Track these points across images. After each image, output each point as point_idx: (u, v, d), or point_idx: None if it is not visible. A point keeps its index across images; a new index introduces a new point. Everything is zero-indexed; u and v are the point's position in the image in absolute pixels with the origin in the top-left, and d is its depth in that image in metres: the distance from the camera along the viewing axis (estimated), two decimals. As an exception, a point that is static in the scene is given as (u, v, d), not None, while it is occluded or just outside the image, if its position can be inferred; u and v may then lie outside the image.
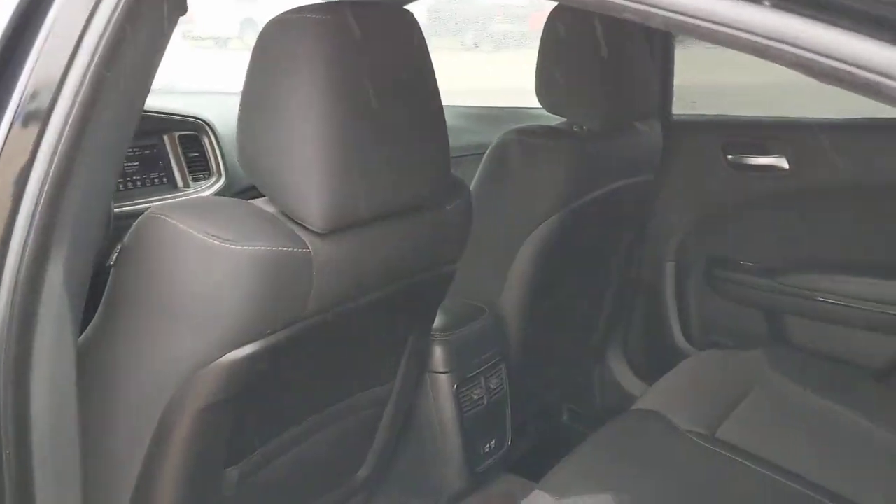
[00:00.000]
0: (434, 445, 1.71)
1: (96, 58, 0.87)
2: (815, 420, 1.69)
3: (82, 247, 0.95)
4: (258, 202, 1.10)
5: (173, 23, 0.95)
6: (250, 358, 1.03)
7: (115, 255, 1.05)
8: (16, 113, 0.88)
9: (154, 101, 1.05)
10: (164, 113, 1.83)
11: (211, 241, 0.98)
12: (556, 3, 1.57)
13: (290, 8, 1.04)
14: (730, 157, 2.23)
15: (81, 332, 1.05)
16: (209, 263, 0.99)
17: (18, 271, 0.87)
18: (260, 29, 1.07)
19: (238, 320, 1.01)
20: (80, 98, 0.87)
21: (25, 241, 0.87)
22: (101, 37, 0.87)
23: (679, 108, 2.32)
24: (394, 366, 1.45)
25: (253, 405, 1.15)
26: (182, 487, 1.12)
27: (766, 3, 0.54)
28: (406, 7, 1.24)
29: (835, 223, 2.14)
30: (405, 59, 1.13)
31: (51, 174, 0.86)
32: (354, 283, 1.12)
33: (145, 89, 0.97)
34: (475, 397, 1.72)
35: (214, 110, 1.97)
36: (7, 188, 0.87)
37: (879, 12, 0.52)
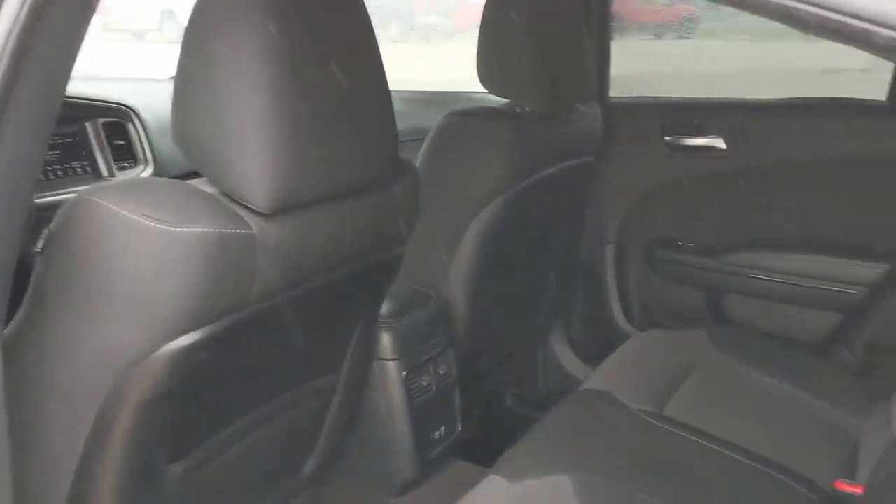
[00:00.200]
0: (384, 434, 1.68)
1: (18, 25, 0.81)
2: (758, 395, 1.73)
3: (6, 233, 0.88)
4: (196, 182, 1.04)
5: None
6: (192, 347, 0.98)
7: (42, 241, 0.98)
8: None
9: (75, 87, 0.99)
10: (86, 99, 1.75)
11: (147, 223, 0.92)
12: None
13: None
14: (668, 138, 2.25)
15: (6, 323, 0.98)
16: (146, 247, 0.92)
17: None
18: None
19: (179, 307, 0.96)
20: (1, 68, 0.80)
21: None
22: (23, 2, 0.80)
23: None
24: (341, 354, 1.41)
25: (196, 397, 1.09)
26: (122, 485, 1.06)
27: None
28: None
29: (771, 202, 2.19)
30: (351, 36, 1.09)
31: None
32: (301, 267, 1.07)
33: (70, 61, 0.90)
34: (424, 384, 1.69)
35: (140, 97, 1.89)
36: None
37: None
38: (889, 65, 1.91)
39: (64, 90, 0.92)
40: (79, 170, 1.71)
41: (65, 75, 0.91)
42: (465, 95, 2.49)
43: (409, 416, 1.66)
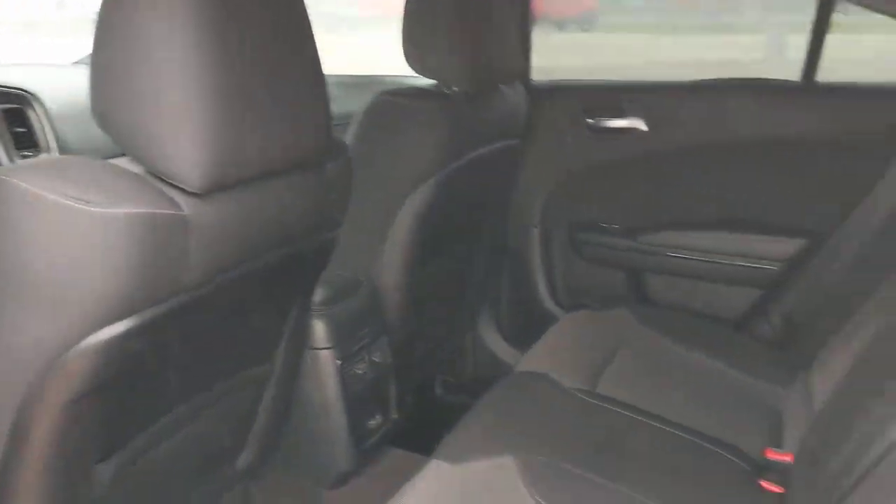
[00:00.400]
0: (318, 425, 1.63)
1: None
2: (684, 370, 1.77)
3: None
4: (118, 161, 0.97)
5: None
6: (122, 338, 0.91)
7: None
8: None
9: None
10: None
11: (68, 202, 0.84)
12: None
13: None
14: (590, 120, 2.27)
15: None
16: (68, 230, 0.85)
17: None
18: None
19: (105, 295, 0.89)
20: None
21: None
22: None
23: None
24: (274, 342, 1.35)
25: (126, 392, 1.02)
26: (45, 492, 0.98)
27: None
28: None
29: (691, 182, 2.23)
30: (283, 13, 1.04)
31: None
32: (235, 250, 1.02)
33: None
34: (359, 372, 1.65)
35: (40, 82, 1.78)
36: None
37: None
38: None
39: None
40: (-24, 159, 1.60)
41: None
42: (389, 79, 2.45)
43: (344, 405, 1.62)
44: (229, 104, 0.92)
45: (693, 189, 2.24)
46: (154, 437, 1.16)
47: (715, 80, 2.23)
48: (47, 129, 1.72)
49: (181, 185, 0.92)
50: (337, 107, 2.08)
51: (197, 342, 1.13)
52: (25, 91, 1.72)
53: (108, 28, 0.92)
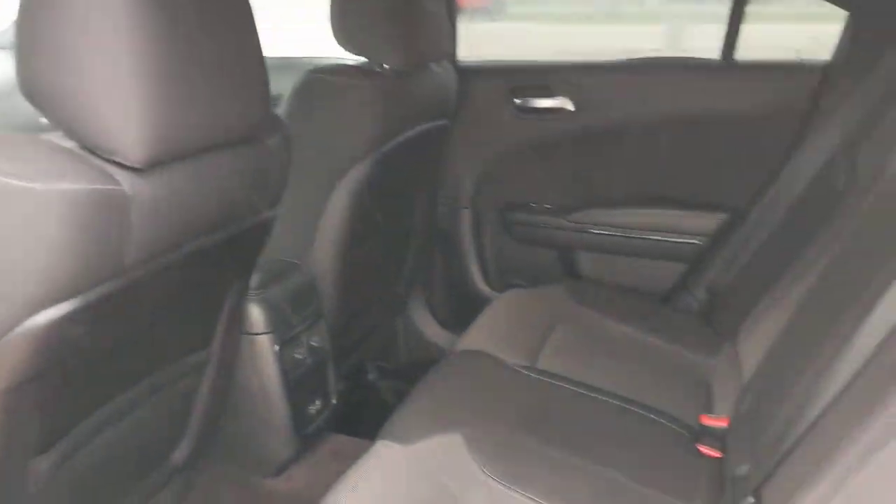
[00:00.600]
0: (258, 412, 1.59)
1: None
2: (617, 343, 1.81)
3: None
4: (50, 137, 0.91)
5: None
6: (60, 322, 0.86)
7: None
8: None
9: None
10: None
11: (4, 180, 0.79)
12: None
13: None
14: (518, 101, 2.28)
15: None
16: (3, 208, 0.80)
17: None
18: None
19: (44, 276, 0.83)
20: None
21: None
22: None
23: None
24: (212, 327, 1.31)
25: (65, 379, 0.96)
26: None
27: None
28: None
29: (618, 160, 2.28)
30: None
31: None
32: (178, 228, 0.97)
33: None
34: (298, 357, 1.61)
35: None
36: None
37: None
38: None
39: None
40: None
41: None
42: (305, 60, 2.40)
43: (284, 392, 1.58)
44: (169, 75, 0.87)
45: (620, 167, 2.28)
46: (92, 428, 1.10)
47: (639, 59, 2.27)
48: None
49: (120, 160, 0.87)
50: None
51: (137, 327, 1.08)
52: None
53: (35, 2, 0.86)
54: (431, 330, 2.46)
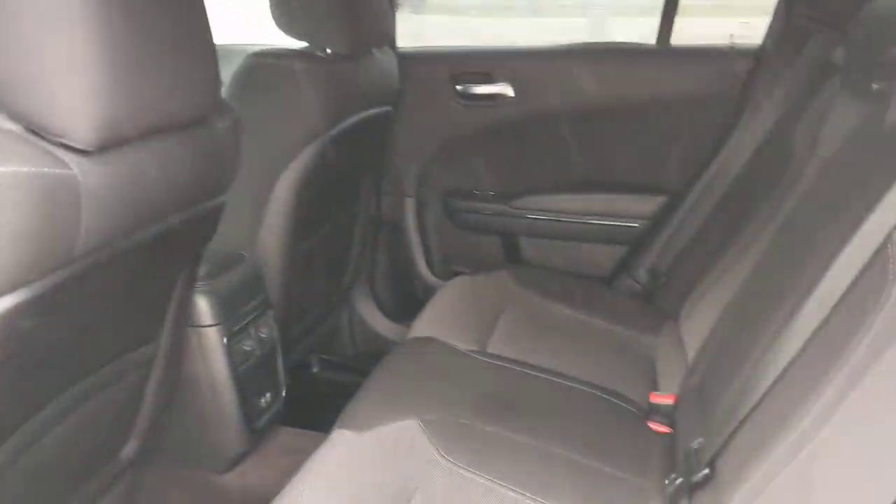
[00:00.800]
0: (207, 407, 1.54)
1: None
2: (563, 326, 1.83)
3: None
4: None
5: None
6: (8, 314, 0.82)
7: None
8: None
9: None
10: None
11: None
12: None
13: None
14: (459, 87, 2.28)
15: None
16: None
17: None
18: None
19: None
20: None
21: None
22: None
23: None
24: (160, 319, 1.27)
25: (11, 375, 0.92)
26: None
27: None
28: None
29: (558, 145, 2.29)
30: None
31: None
32: (130, 214, 0.94)
33: None
34: (247, 349, 1.57)
35: None
36: None
37: None
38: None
39: None
40: None
41: None
42: (238, 48, 2.34)
43: (233, 385, 1.54)
44: (119, 55, 0.84)
45: (561, 152, 2.30)
46: (39, 427, 1.05)
47: (578, 45, 2.29)
48: None
49: (69, 143, 0.83)
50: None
51: (87, 319, 1.03)
52: None
53: None
54: (376, 320, 2.45)
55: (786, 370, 0.99)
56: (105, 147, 0.86)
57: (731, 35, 2.18)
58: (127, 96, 0.86)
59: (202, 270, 1.51)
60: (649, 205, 2.22)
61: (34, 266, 0.82)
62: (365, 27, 1.72)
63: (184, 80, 0.97)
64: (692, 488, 1.12)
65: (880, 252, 0.90)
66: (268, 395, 1.67)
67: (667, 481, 1.18)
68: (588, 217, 2.29)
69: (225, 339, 1.52)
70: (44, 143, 0.83)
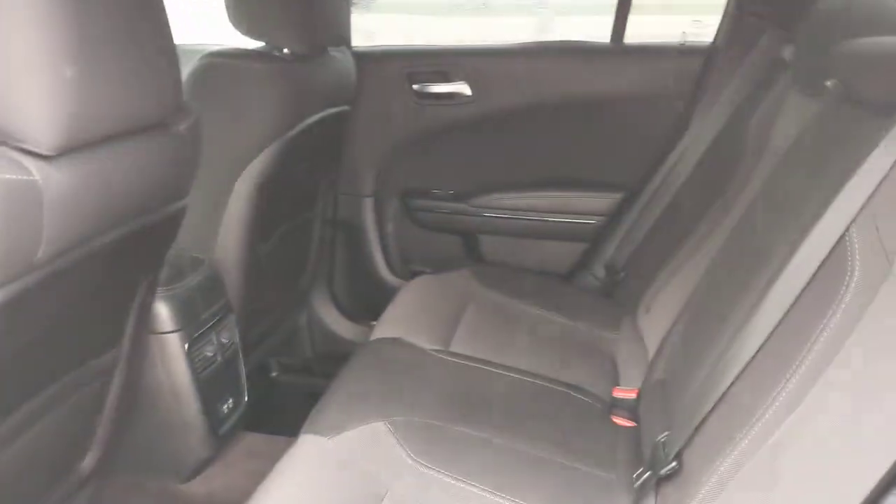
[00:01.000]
0: (170, 416, 1.52)
1: None
2: (526, 323, 1.84)
3: None
4: None
5: None
6: None
7: None
8: None
9: None
10: None
11: None
12: None
13: None
14: (415, 86, 2.28)
15: None
16: None
17: None
18: None
19: None
20: None
21: None
22: None
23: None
24: (121, 326, 1.24)
25: None
26: None
27: None
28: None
29: (516, 143, 2.31)
30: None
31: None
32: (92, 219, 0.91)
33: None
34: (208, 355, 1.55)
35: None
36: None
37: None
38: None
39: None
40: None
41: None
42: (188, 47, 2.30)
43: (196, 391, 1.52)
44: (80, 57, 0.82)
45: (518, 150, 2.32)
46: None
47: (534, 43, 2.30)
48: None
49: (29, 148, 0.81)
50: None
51: (46, 328, 1.00)
52: None
53: None
54: (335, 321, 2.43)
55: (749, 363, 1.01)
56: (67, 151, 0.84)
57: (683, 33, 2.21)
58: (88, 99, 0.84)
59: (163, 276, 1.48)
60: (607, 201, 2.25)
61: None
62: (322, 27, 1.70)
63: (145, 82, 0.95)
64: (660, 482, 1.14)
65: (839, 245, 0.92)
66: (230, 400, 1.65)
67: (635, 475, 1.20)
68: (547, 214, 2.30)
69: (186, 346, 1.49)
70: (3, 149, 0.81)
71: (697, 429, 1.08)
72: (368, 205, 2.40)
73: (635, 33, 2.21)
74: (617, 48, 2.22)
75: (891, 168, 0.88)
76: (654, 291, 1.84)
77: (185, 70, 1.62)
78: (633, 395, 1.55)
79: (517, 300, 1.91)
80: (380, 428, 1.28)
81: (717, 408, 1.06)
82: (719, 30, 2.12)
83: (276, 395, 2.31)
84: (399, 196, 2.41)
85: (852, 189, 0.91)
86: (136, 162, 0.98)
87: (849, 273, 0.89)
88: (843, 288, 0.89)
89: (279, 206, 1.84)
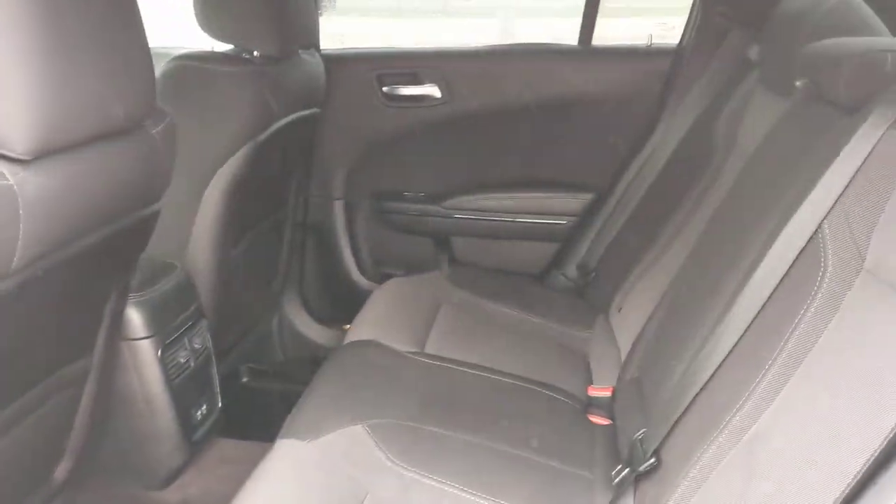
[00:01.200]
0: (143, 422, 1.49)
1: None
2: (500, 324, 1.85)
3: None
4: None
5: None
6: None
7: None
8: None
9: None
10: None
11: None
12: None
13: None
14: (385, 88, 2.27)
15: None
16: None
17: None
18: None
19: None
20: None
21: None
22: None
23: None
24: (93, 333, 1.22)
25: None
26: None
27: None
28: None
29: (486, 145, 2.31)
30: None
31: None
32: (68, 223, 0.90)
33: None
34: (181, 361, 1.53)
35: None
36: None
37: None
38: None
39: None
40: None
41: None
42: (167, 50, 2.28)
43: (169, 398, 1.49)
44: (55, 61, 0.81)
45: (489, 152, 2.32)
46: None
47: (503, 46, 2.32)
48: None
49: (5, 153, 0.79)
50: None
51: (18, 335, 0.98)
52: None
53: None
54: (306, 325, 2.41)
55: (726, 358, 1.03)
56: (42, 155, 0.82)
57: (650, 35, 2.24)
58: (63, 103, 0.83)
59: (134, 281, 1.46)
60: (578, 202, 2.26)
61: None
62: (292, 29, 1.69)
63: (120, 86, 0.93)
64: (638, 478, 1.15)
65: (812, 241, 0.94)
66: (204, 406, 1.63)
67: (613, 473, 1.20)
68: (518, 215, 2.31)
69: (159, 352, 1.47)
70: None
71: (675, 425, 1.09)
72: (339, 207, 2.39)
73: (602, 35, 2.24)
74: (586, 50, 2.24)
75: (861, 164, 0.90)
76: (625, 290, 1.85)
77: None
78: (607, 394, 1.56)
79: (490, 301, 1.92)
80: (358, 431, 1.28)
81: (695, 403, 1.07)
82: (685, 31, 2.15)
83: (247, 401, 2.28)
84: (370, 198, 2.40)
85: (824, 185, 0.93)
86: (111, 165, 0.97)
87: (822, 268, 0.91)
88: (817, 282, 0.90)
89: (251, 208, 1.82)
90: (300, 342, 2.40)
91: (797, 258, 0.96)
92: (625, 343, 1.70)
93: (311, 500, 1.14)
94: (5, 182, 0.79)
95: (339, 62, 2.24)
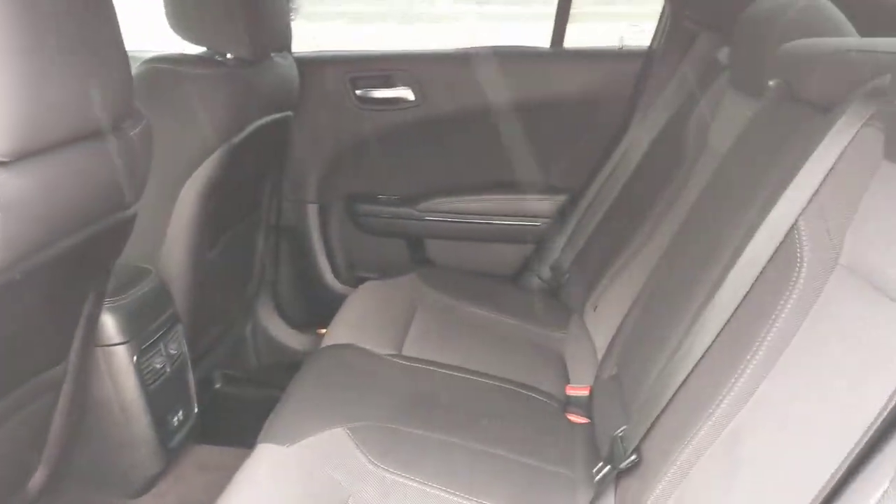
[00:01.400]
0: (119, 429, 1.47)
1: None
2: (476, 325, 1.85)
3: None
4: None
5: None
6: None
7: None
8: None
9: None
10: None
11: None
12: None
13: None
14: (358, 91, 2.27)
15: None
16: None
17: None
18: None
19: None
20: None
21: None
22: None
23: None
24: (68, 339, 1.20)
25: None
26: None
27: None
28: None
29: (461, 148, 2.32)
30: None
31: None
32: (47, 225, 0.88)
33: None
34: (157, 367, 1.51)
35: None
36: None
37: None
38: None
39: None
40: None
41: None
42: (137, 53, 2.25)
43: (145, 404, 1.47)
44: (33, 62, 0.80)
45: (462, 154, 2.33)
46: None
47: (475, 48, 2.32)
48: None
49: None
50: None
51: None
52: None
53: None
54: (281, 330, 2.40)
55: (705, 354, 1.04)
56: (21, 157, 0.81)
57: (622, 37, 2.26)
58: (42, 105, 0.82)
59: (109, 287, 1.44)
60: (551, 203, 2.28)
61: None
62: (265, 31, 1.68)
63: (97, 87, 0.92)
64: (619, 476, 1.16)
65: (789, 237, 0.95)
66: (180, 412, 1.61)
67: (594, 470, 1.21)
68: (492, 217, 2.32)
69: (134, 358, 1.45)
70: None
71: (655, 421, 1.11)
72: (313, 211, 2.38)
73: (572, 40, 2.26)
74: (557, 52, 2.25)
75: (836, 161, 0.91)
76: (600, 290, 1.87)
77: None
78: (585, 393, 1.57)
79: (465, 303, 1.92)
80: (338, 434, 1.27)
81: (675, 399, 1.08)
82: (656, 34, 2.18)
83: (221, 407, 2.26)
84: (344, 201, 2.40)
85: (800, 183, 0.95)
86: (91, 167, 0.96)
87: (798, 263, 0.92)
88: (794, 278, 0.92)
89: (225, 211, 1.80)
90: (274, 347, 2.39)
91: (773, 255, 0.97)
92: (601, 341, 1.71)
93: (293, 504, 1.13)
94: None
95: (313, 65, 2.23)
